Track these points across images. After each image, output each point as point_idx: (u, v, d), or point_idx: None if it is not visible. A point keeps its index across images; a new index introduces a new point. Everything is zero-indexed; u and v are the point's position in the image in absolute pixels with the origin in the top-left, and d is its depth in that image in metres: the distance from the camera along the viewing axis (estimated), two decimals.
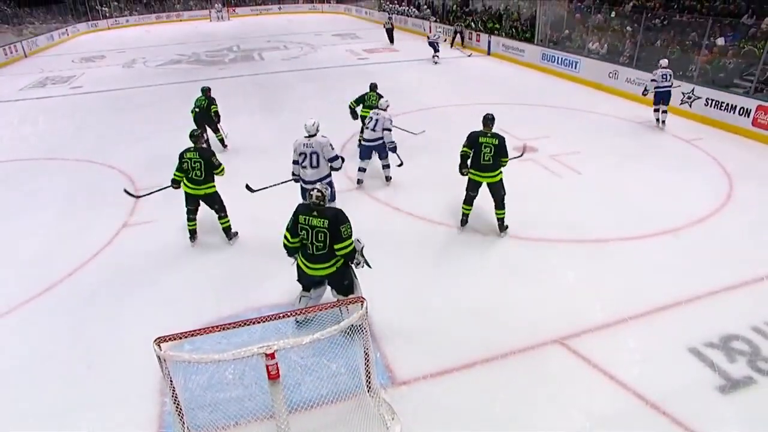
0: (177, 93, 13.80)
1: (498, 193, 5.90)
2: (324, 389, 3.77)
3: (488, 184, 5.88)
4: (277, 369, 2.94)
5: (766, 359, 4.06)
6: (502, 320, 4.60)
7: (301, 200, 5.74)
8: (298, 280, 4.43)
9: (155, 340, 2.98)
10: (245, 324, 3.25)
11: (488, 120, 5.78)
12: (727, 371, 3.95)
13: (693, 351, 4.16)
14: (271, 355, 2.90)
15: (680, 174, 7.72)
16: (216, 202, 5.93)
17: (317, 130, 5.72)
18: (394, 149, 7.37)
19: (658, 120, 9.92)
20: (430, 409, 3.70)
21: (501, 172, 5.85)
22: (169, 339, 3.04)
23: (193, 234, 6.09)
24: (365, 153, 7.41)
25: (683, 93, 10.55)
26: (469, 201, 6.08)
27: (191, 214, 5.97)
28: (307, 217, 4.07)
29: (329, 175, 5.88)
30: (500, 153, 5.67)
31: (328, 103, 12.21)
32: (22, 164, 9.12)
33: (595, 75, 13.36)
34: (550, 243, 5.88)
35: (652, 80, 9.54)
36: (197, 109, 8.96)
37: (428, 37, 17.96)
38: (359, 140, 8.00)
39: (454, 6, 23.42)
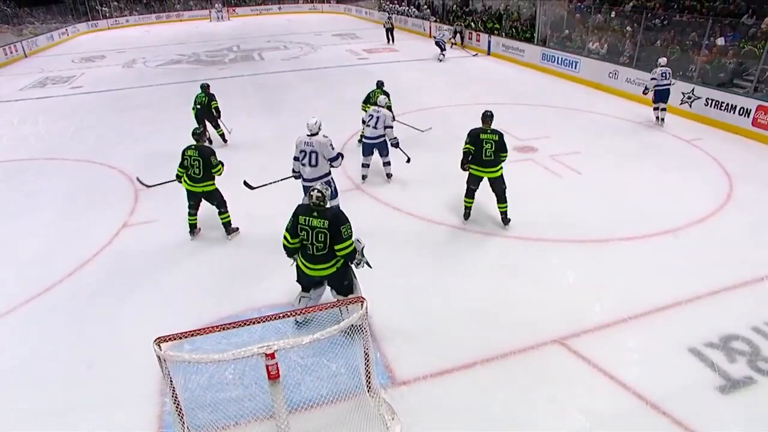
0: (177, 93, 13.80)
1: (499, 187, 6.02)
2: (324, 389, 3.76)
3: (489, 180, 5.99)
4: (277, 369, 2.94)
5: (766, 359, 4.06)
6: (502, 320, 4.60)
7: (303, 196, 5.76)
8: (298, 281, 4.42)
9: (155, 340, 2.97)
10: (245, 324, 3.25)
11: (487, 117, 5.92)
12: (727, 371, 3.95)
13: (693, 351, 4.16)
14: (271, 355, 2.90)
15: (680, 174, 7.72)
16: (215, 199, 6.00)
17: (319, 129, 5.75)
18: (396, 144, 7.42)
19: (657, 118, 10.03)
20: (430, 409, 3.70)
21: (501, 167, 5.97)
22: (169, 339, 3.04)
23: (192, 228, 6.17)
24: (367, 150, 7.48)
25: (683, 93, 10.55)
26: (470, 194, 6.20)
27: (192, 209, 6.06)
28: (307, 218, 4.07)
29: (329, 173, 5.90)
30: (500, 148, 5.82)
31: (328, 103, 12.23)
32: (22, 164, 9.12)
33: (595, 75, 13.36)
34: (550, 243, 5.88)
35: (652, 79, 9.58)
36: (198, 106, 9.13)
37: (435, 37, 18.25)
38: (360, 137, 8.03)
39: (454, 6, 23.42)
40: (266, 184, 6.20)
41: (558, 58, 14.92)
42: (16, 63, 20.93)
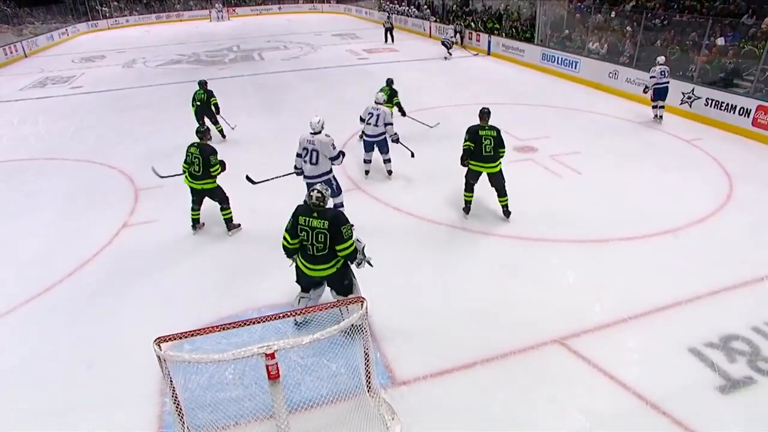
0: (177, 93, 13.80)
1: (499, 182, 6.14)
2: (324, 389, 3.76)
3: (489, 175, 6.11)
4: (277, 369, 2.94)
5: (766, 359, 4.06)
6: (502, 320, 4.60)
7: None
8: (297, 282, 4.41)
9: (155, 340, 2.97)
10: (245, 324, 3.25)
11: (485, 113, 6.05)
12: (727, 371, 3.95)
13: (693, 351, 4.16)
14: (271, 355, 2.90)
15: (680, 174, 7.72)
16: (217, 196, 6.10)
17: (322, 128, 5.81)
18: (397, 140, 7.50)
19: (656, 116, 10.11)
20: (430, 409, 3.70)
21: (500, 163, 6.08)
22: (169, 339, 3.03)
23: (195, 223, 6.27)
24: (368, 147, 7.63)
25: (683, 93, 10.56)
26: (469, 189, 6.33)
27: (195, 204, 6.16)
28: (307, 218, 4.06)
29: (330, 171, 5.95)
30: (499, 144, 5.96)
31: (328, 103, 12.24)
32: (22, 164, 9.12)
33: (595, 75, 13.35)
34: (550, 243, 5.87)
35: (652, 77, 9.68)
36: (198, 103, 9.29)
37: (442, 37, 18.73)
38: (361, 134, 8.08)
39: (454, 6, 23.42)
40: (268, 180, 6.25)
41: (558, 58, 14.92)
42: (16, 63, 20.93)
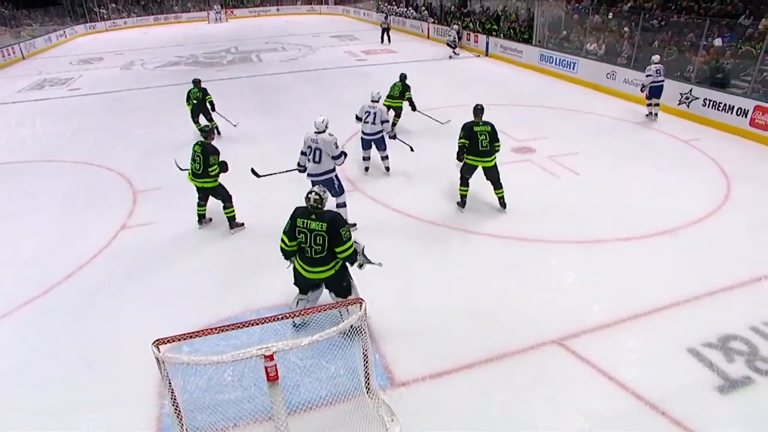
0: (175, 95, 13.75)
1: (494, 175, 6.30)
2: (323, 391, 3.76)
3: (485, 169, 6.25)
4: (276, 371, 2.94)
5: (765, 359, 4.07)
6: (501, 321, 4.60)
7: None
8: (295, 284, 4.40)
9: (154, 342, 2.97)
10: (244, 326, 3.24)
11: (478, 110, 6.22)
12: (726, 371, 3.96)
13: (692, 351, 4.16)
14: (270, 357, 2.90)
15: (678, 174, 7.74)
16: (219, 194, 6.18)
17: (326, 128, 5.87)
18: (394, 137, 7.60)
19: (650, 113, 10.24)
20: (429, 410, 3.70)
21: (495, 157, 6.23)
22: (168, 341, 3.03)
23: (201, 218, 6.41)
24: (366, 145, 7.72)
25: (681, 93, 10.58)
26: (465, 183, 6.49)
27: (201, 200, 6.30)
28: (305, 221, 4.05)
29: (333, 170, 5.99)
30: (494, 138, 6.15)
31: (327, 104, 12.23)
32: (20, 166, 9.10)
33: (593, 76, 13.38)
34: (548, 243, 5.88)
35: (648, 76, 9.81)
36: (194, 101, 9.48)
37: (447, 43, 19.05)
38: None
39: (452, 7, 23.44)
40: (272, 174, 6.38)
41: (556, 59, 14.94)
42: (14, 65, 20.91)
